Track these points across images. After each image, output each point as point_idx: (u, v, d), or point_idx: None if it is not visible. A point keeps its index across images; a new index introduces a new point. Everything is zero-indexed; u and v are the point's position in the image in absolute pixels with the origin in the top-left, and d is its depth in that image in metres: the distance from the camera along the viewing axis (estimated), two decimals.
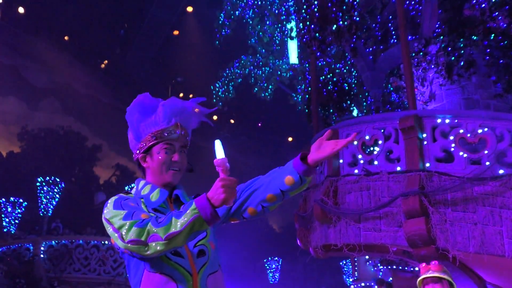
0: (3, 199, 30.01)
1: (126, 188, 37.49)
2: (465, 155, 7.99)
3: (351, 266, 22.57)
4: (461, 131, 8.11)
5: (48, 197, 28.90)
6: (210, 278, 2.61)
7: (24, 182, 34.77)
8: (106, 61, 51.60)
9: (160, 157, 2.69)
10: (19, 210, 29.45)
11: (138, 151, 2.78)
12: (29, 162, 37.46)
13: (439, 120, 8.30)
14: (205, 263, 2.62)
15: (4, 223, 29.56)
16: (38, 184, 29.31)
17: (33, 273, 21.31)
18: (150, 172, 2.75)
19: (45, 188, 28.98)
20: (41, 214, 28.48)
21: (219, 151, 2.38)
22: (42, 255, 23.39)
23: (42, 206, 28.66)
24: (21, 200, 29.37)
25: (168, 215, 2.39)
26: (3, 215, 29.84)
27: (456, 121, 8.23)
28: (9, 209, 29.69)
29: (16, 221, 29.57)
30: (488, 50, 10.51)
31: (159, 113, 2.74)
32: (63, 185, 29.63)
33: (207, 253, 2.66)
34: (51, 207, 28.66)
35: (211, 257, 2.69)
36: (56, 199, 28.98)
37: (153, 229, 2.35)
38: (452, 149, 8.10)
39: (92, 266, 22.56)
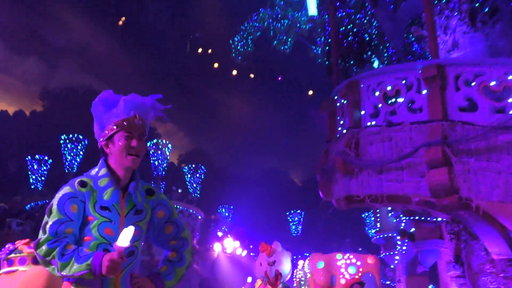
0: (29, 157, 30.63)
1: (149, 143, 37.84)
2: (489, 104, 7.87)
3: (373, 218, 22.68)
4: (485, 79, 7.97)
5: (72, 154, 29.37)
6: (130, 276, 3.10)
7: (48, 140, 35.30)
8: (123, 18, 51.30)
9: (120, 143, 3.10)
10: (44, 168, 30.06)
11: (102, 139, 3.17)
12: (52, 120, 37.92)
13: (462, 69, 8.15)
14: (132, 262, 3.10)
15: (31, 180, 30.25)
16: (61, 141, 29.74)
17: None
18: (112, 157, 3.15)
19: (68, 146, 29.42)
20: (66, 171, 29.00)
21: (123, 238, 2.78)
22: None
23: (67, 163, 29.17)
24: (46, 158, 29.93)
25: (73, 252, 2.88)
26: (29, 173, 30.51)
27: (479, 69, 8.08)
28: (35, 167, 30.32)
29: (43, 178, 30.23)
30: None
31: (120, 106, 3.14)
32: (86, 143, 30.02)
33: (136, 253, 3.15)
34: (76, 164, 29.15)
35: (139, 256, 3.17)
36: (80, 156, 29.45)
37: (55, 258, 2.88)
38: (476, 97, 7.98)
39: None
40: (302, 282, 13.24)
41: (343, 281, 10.77)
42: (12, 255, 3.89)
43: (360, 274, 10.71)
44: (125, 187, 3.15)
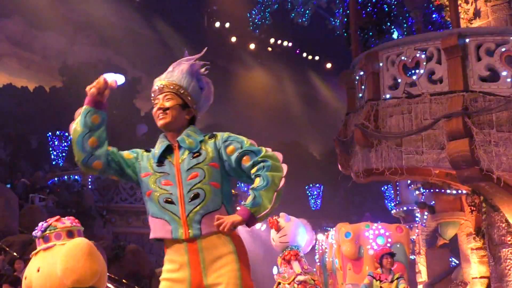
0: (50, 133, 31.03)
1: None
2: (511, 74, 7.73)
3: (392, 191, 22.59)
4: (508, 48, 7.81)
5: None
6: (205, 218, 3.07)
7: (68, 115, 35.50)
8: None
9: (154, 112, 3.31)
10: (65, 143, 30.44)
11: None
12: (71, 96, 38.09)
13: (484, 38, 8.00)
14: (198, 205, 3.08)
15: (52, 156, 30.70)
16: None
17: (82, 203, 22.09)
18: None
19: None
20: None
21: (110, 77, 3.22)
22: (90, 186, 24.20)
23: None
24: (66, 134, 30.25)
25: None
26: (50, 149, 30.94)
27: (502, 38, 7.92)
28: (56, 143, 30.73)
29: (63, 154, 30.64)
30: None
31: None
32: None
33: (203, 195, 3.09)
34: None
35: (211, 197, 3.11)
36: None
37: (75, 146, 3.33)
38: (498, 67, 7.83)
39: (138, 195, 23.18)
40: (325, 254, 13.12)
41: (371, 252, 10.25)
42: (47, 232, 3.96)
43: (389, 245, 10.15)
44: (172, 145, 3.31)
